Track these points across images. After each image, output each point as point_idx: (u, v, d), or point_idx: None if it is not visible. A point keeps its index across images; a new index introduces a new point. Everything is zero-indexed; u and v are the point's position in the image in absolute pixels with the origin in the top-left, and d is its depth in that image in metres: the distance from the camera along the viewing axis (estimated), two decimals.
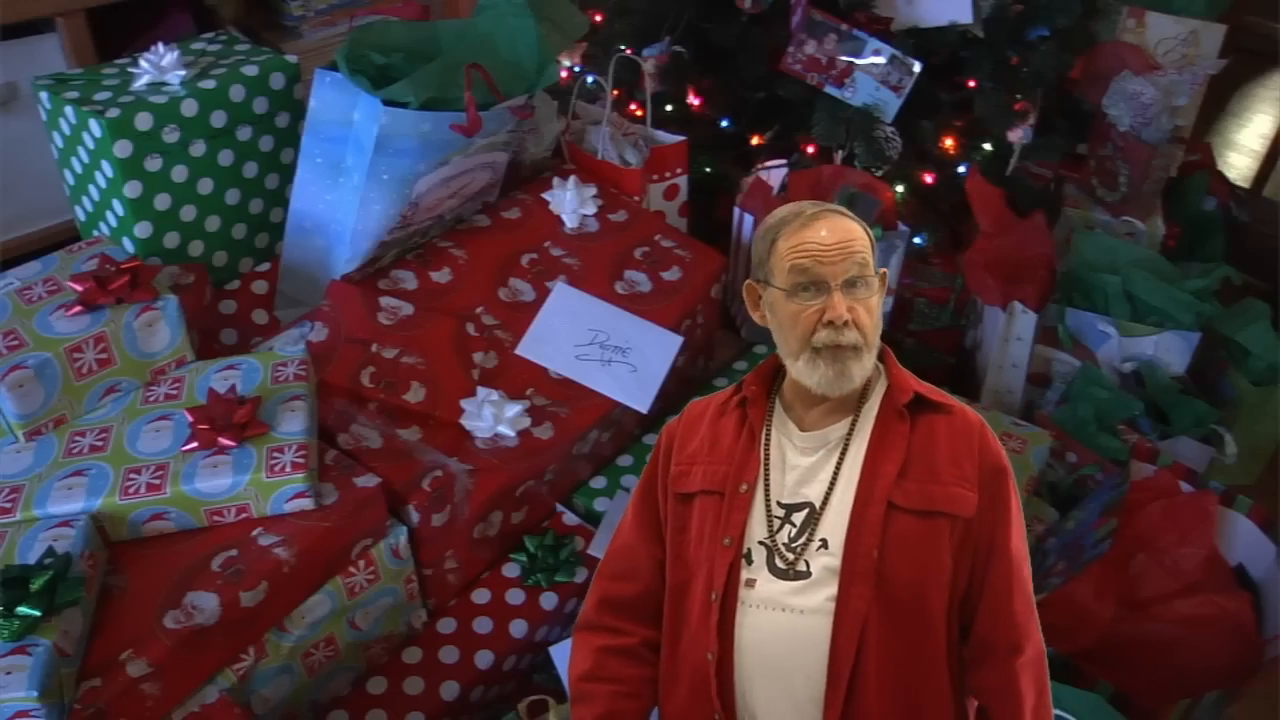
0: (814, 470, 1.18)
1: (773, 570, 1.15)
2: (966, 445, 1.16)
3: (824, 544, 1.14)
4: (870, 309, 1.16)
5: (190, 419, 1.47)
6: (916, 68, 2.21)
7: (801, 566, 1.14)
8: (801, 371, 1.16)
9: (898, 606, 1.11)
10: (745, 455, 1.21)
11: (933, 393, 1.21)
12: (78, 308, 1.53)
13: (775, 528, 1.16)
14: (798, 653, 1.12)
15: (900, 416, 1.18)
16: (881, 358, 1.24)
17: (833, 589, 1.12)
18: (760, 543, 1.16)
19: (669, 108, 2.51)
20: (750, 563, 1.16)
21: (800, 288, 1.15)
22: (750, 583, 1.15)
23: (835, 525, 1.14)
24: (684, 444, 1.27)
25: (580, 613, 1.31)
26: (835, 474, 1.16)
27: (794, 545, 1.15)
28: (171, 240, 1.83)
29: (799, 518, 1.16)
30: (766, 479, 1.19)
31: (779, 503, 1.17)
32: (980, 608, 1.15)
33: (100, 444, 1.48)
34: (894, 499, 1.13)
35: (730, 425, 1.25)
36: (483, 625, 1.68)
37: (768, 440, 1.21)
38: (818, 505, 1.15)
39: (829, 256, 1.14)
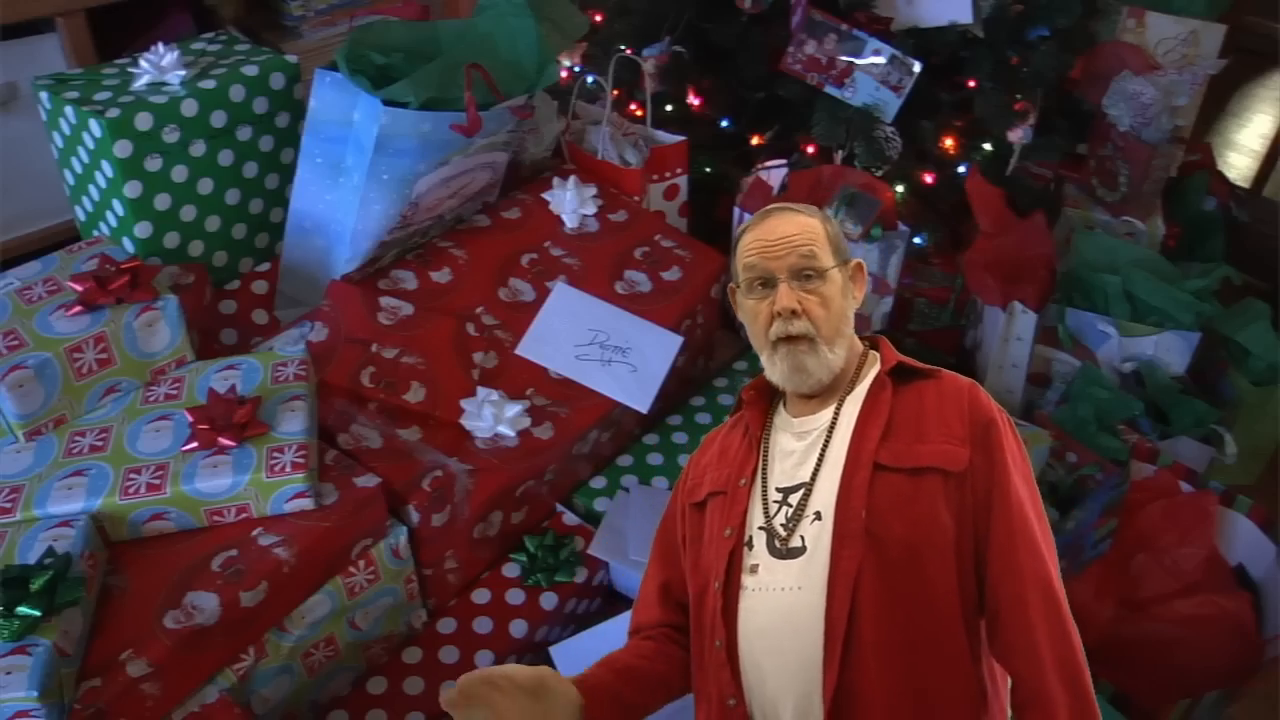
0: (808, 452, 1.20)
1: (772, 552, 1.16)
2: (955, 404, 1.17)
3: (817, 516, 1.15)
4: (825, 299, 1.19)
5: (190, 419, 1.47)
6: (916, 68, 2.21)
7: (796, 542, 1.14)
8: (768, 369, 1.22)
9: (892, 567, 1.09)
10: (746, 453, 1.25)
11: (920, 364, 1.23)
12: (78, 308, 1.53)
13: (773, 512, 1.18)
14: (797, 628, 1.12)
15: (882, 384, 1.21)
16: (877, 346, 1.28)
17: (827, 558, 1.12)
18: (760, 528, 1.18)
19: (669, 108, 2.51)
20: (751, 548, 1.18)
21: (754, 284, 1.21)
22: (754, 569, 1.16)
23: (826, 496, 1.15)
24: (698, 462, 1.33)
25: None
26: (824, 450, 1.18)
27: (789, 524, 1.16)
28: (171, 240, 1.83)
29: (795, 498, 1.17)
30: (764, 470, 1.22)
31: (777, 488, 1.19)
32: (989, 566, 1.12)
33: (100, 444, 1.48)
34: (880, 459, 1.14)
35: (737, 434, 1.29)
36: (483, 625, 1.68)
37: (766, 436, 1.25)
38: (810, 481, 1.17)
39: (773, 251, 1.19)
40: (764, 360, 1.22)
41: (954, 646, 1.10)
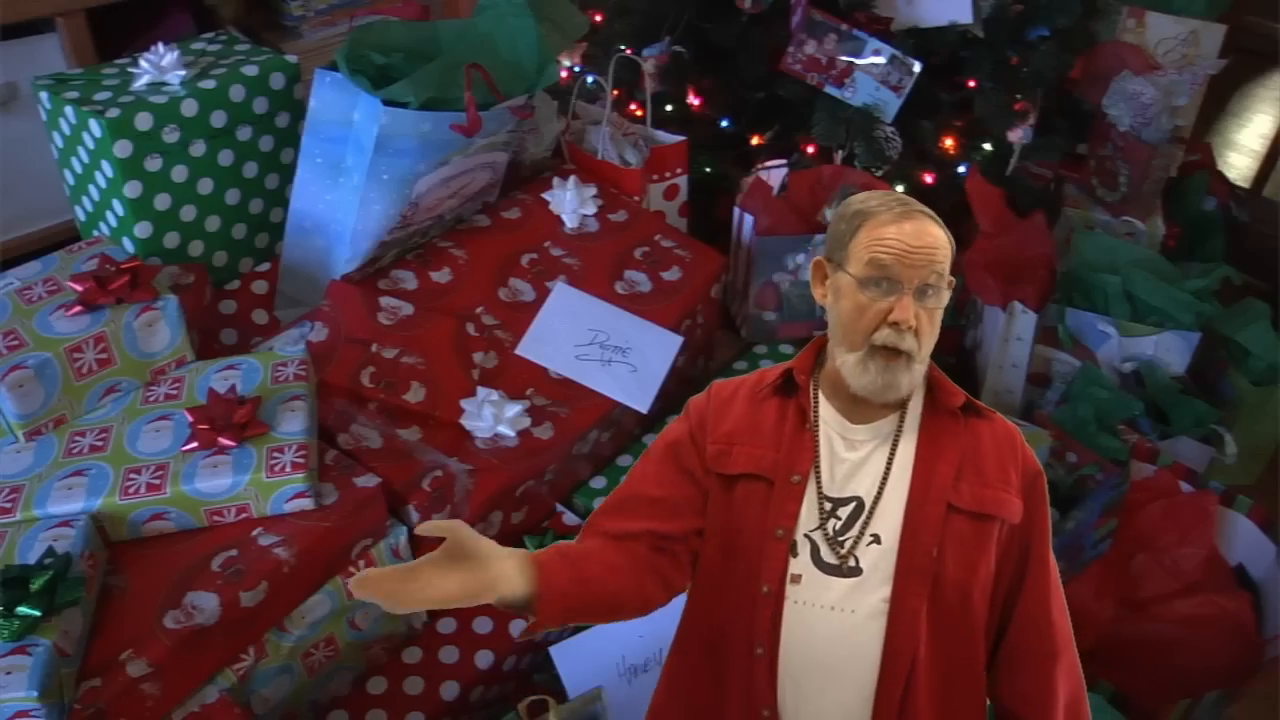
0: (862, 464, 1.15)
1: (819, 565, 1.13)
2: (1010, 451, 1.17)
3: (876, 539, 1.12)
4: (934, 320, 1.14)
5: (190, 419, 1.47)
6: (916, 68, 2.21)
7: (852, 563, 1.12)
8: (850, 368, 1.13)
9: (946, 608, 1.11)
10: (795, 443, 1.17)
11: (977, 401, 1.21)
12: (78, 308, 1.53)
13: (822, 521, 1.14)
14: (849, 654, 1.11)
15: (954, 417, 1.17)
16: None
17: (887, 589, 1.11)
18: (806, 535, 1.14)
19: (669, 108, 2.51)
20: (795, 555, 1.13)
21: (874, 281, 1.12)
22: (796, 578, 1.13)
23: (889, 521, 1.12)
24: (718, 423, 1.21)
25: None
26: (888, 469, 1.15)
27: (842, 539, 1.13)
28: (171, 240, 1.83)
29: (845, 511, 1.14)
30: (818, 470, 1.16)
31: (826, 495, 1.15)
32: (1016, 613, 1.16)
33: (100, 444, 1.48)
34: (951, 499, 1.13)
35: (771, 410, 1.20)
36: (483, 625, 1.68)
37: (816, 430, 1.18)
38: (867, 500, 1.14)
39: (912, 259, 1.11)
40: (850, 359, 1.13)
41: (980, 677, 1.16)
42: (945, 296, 1.14)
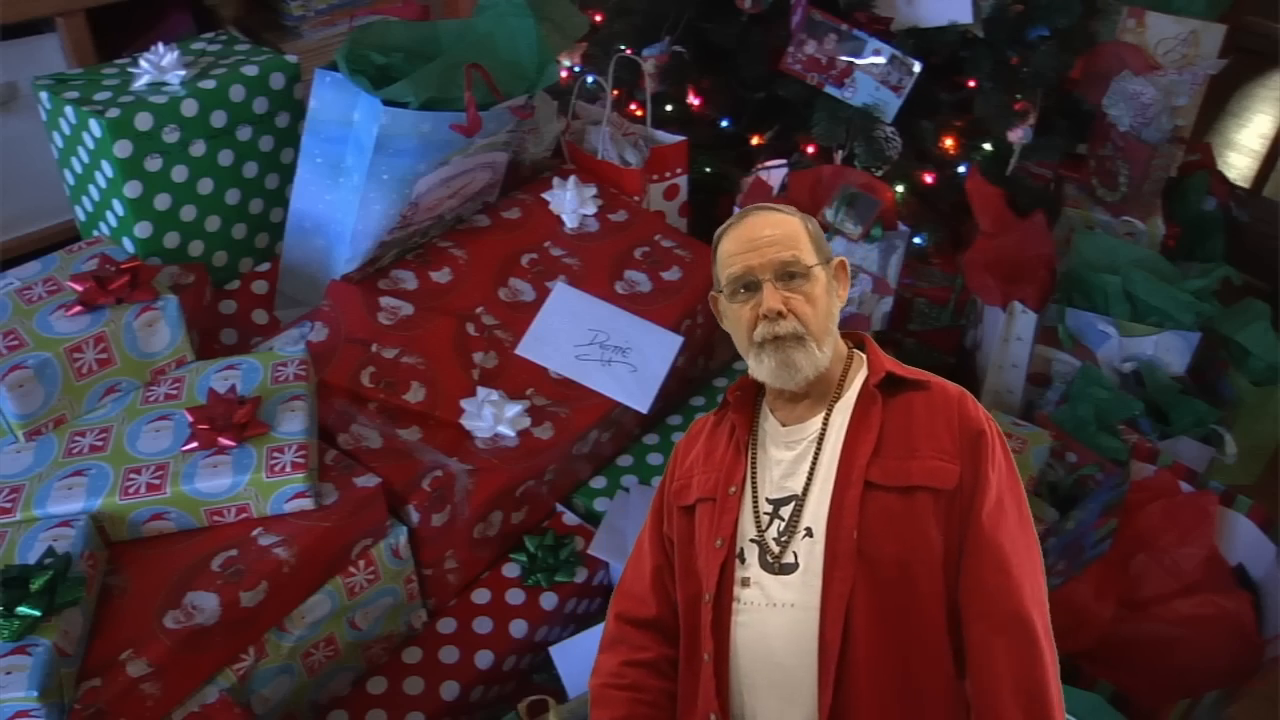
0: (796, 463, 1.18)
1: (765, 567, 1.15)
2: (945, 417, 1.16)
3: (809, 532, 1.14)
4: (811, 298, 1.17)
5: (190, 419, 1.47)
6: (916, 68, 2.21)
7: (789, 559, 1.14)
8: (754, 369, 1.20)
9: (884, 586, 1.10)
10: (734, 459, 1.23)
11: (909, 371, 1.21)
12: (78, 308, 1.53)
13: (764, 524, 1.17)
14: (791, 646, 1.11)
15: (872, 397, 1.19)
16: (864, 348, 1.25)
17: (820, 576, 1.11)
18: (751, 540, 1.17)
19: (669, 108, 2.51)
20: (744, 561, 1.17)
21: (738, 288, 1.19)
22: (745, 581, 1.16)
23: (818, 512, 1.14)
24: (683, 458, 1.31)
25: (603, 631, 1.33)
26: (814, 463, 1.17)
27: (781, 538, 1.15)
28: (171, 240, 1.83)
29: (786, 511, 1.16)
30: (754, 478, 1.20)
31: (768, 499, 1.18)
32: (959, 581, 1.11)
33: (100, 444, 1.48)
34: (870, 477, 1.13)
35: (723, 434, 1.27)
36: (483, 625, 1.68)
37: (754, 442, 1.23)
38: (801, 495, 1.16)
39: (756, 252, 1.18)
40: (750, 361, 1.20)
41: (943, 664, 1.11)
42: (818, 276, 1.19)
